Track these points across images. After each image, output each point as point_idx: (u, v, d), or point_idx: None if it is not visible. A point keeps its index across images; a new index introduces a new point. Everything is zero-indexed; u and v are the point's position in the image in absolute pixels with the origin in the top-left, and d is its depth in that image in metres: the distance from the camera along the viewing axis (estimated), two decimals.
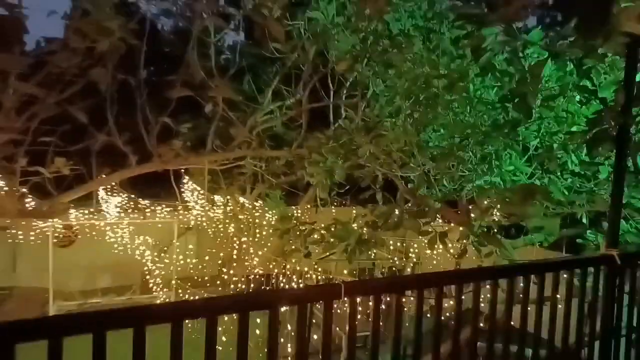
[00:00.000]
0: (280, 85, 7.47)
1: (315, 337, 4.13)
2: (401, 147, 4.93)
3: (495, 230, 5.48)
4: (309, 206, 10.85)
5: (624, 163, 3.08)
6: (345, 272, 4.60)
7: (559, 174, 5.60)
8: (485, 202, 5.51)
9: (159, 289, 9.88)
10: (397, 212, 4.82)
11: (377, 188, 5.05)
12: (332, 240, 4.04)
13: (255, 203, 10.67)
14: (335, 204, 10.46)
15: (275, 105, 7.49)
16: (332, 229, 4.18)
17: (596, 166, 4.99)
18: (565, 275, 2.93)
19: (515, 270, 2.71)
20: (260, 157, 8.17)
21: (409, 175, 5.28)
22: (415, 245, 10.51)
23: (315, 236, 4.45)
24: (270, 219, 9.68)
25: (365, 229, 4.26)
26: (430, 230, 4.74)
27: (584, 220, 5.57)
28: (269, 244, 9.50)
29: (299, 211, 10.82)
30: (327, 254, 4.10)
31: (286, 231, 4.63)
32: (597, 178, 5.43)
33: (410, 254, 7.99)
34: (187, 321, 1.83)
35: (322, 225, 4.60)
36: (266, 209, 9.79)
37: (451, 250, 4.69)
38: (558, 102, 4.75)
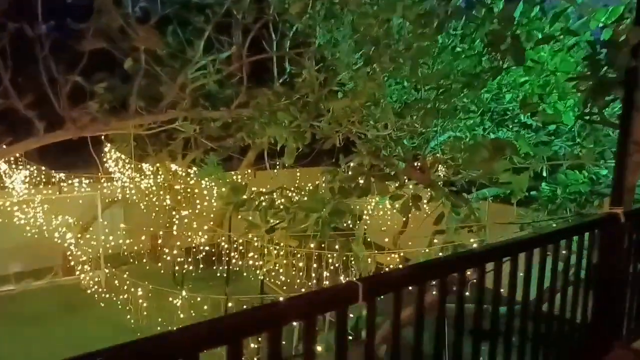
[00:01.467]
0: (212, 35, 6.53)
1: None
2: (363, 102, 4.39)
3: (457, 189, 5.22)
4: (248, 171, 10.15)
5: (631, 113, 2.78)
6: (311, 245, 4.08)
7: (518, 128, 5.42)
8: (447, 159, 5.21)
9: (84, 269, 8.85)
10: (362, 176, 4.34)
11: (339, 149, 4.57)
12: (294, 212, 3.48)
13: (189, 170, 9.77)
14: (278, 168, 9.85)
15: (208, 59, 6.57)
16: (296, 199, 3.61)
17: (558, 118, 4.79)
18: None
19: (533, 243, 2.35)
20: (193, 119, 7.26)
21: (368, 134, 4.79)
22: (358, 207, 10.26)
23: (277, 207, 3.86)
24: (208, 187, 8.88)
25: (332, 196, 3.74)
26: (401, 193, 4.33)
27: (544, 174, 5.41)
28: (211, 215, 8.77)
29: (239, 177, 10.09)
30: (294, 228, 3.54)
31: (240, 203, 3.99)
32: (557, 132, 5.30)
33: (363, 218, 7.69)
34: None
35: (281, 193, 4.01)
36: (202, 176, 8.96)
37: (425, 215, 4.35)
38: (527, 50, 4.42)
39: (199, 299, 5.56)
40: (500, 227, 5.35)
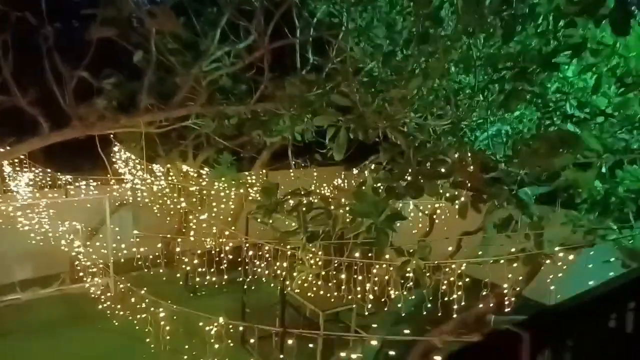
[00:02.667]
0: (228, 24, 6.02)
1: None
2: (433, 84, 3.82)
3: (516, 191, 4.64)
4: (263, 171, 9.64)
5: None
6: (356, 254, 3.53)
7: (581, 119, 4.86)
8: (491, 154, 4.66)
9: (92, 276, 8.35)
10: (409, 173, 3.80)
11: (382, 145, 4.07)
12: (347, 217, 2.95)
13: (200, 171, 9.26)
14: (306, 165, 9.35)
15: (224, 49, 6.04)
16: (344, 202, 3.09)
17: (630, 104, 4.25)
18: None
19: None
20: (208, 115, 6.75)
21: (411, 125, 4.25)
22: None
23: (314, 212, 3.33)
24: (222, 189, 8.36)
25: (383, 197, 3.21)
26: (456, 194, 3.81)
27: (604, 170, 4.80)
28: (228, 218, 8.26)
29: (253, 177, 9.58)
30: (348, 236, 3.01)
31: (273, 206, 3.47)
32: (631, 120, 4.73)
33: None
34: None
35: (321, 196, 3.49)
36: (215, 176, 8.45)
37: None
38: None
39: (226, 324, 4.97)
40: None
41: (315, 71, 5.54)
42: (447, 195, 3.66)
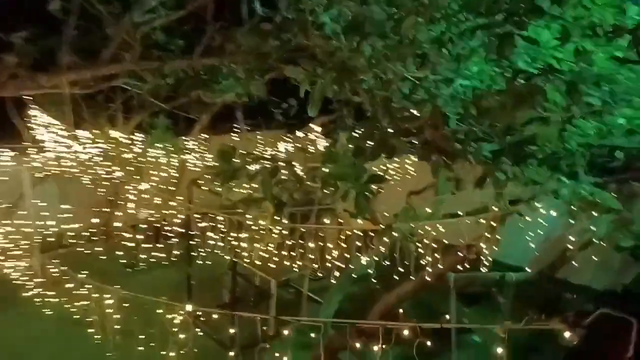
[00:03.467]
0: None
1: None
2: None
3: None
4: (205, 136, 9.01)
5: None
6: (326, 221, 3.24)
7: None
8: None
9: (15, 259, 7.51)
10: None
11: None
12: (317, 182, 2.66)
13: (132, 137, 8.49)
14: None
15: None
16: (314, 166, 2.78)
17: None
18: None
19: None
20: (142, 74, 6.06)
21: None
22: None
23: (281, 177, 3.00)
24: (161, 155, 7.72)
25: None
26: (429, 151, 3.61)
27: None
28: (168, 187, 7.67)
29: (191, 142, 8.97)
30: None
31: (232, 173, 3.09)
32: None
33: None
34: None
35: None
36: (152, 142, 7.77)
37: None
38: None
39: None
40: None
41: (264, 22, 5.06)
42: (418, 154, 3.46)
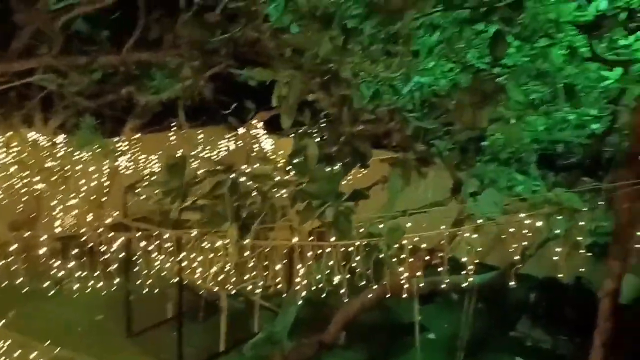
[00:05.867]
0: None
1: None
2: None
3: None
4: (137, 135, 8.20)
5: None
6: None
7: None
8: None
9: None
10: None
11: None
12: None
13: (55, 139, 7.55)
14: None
15: None
16: (283, 179, 2.38)
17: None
18: None
19: None
20: (63, 69, 5.27)
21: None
22: None
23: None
24: (88, 160, 6.89)
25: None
26: (402, 158, 3.31)
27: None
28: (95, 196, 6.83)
29: (124, 144, 8.16)
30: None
31: (183, 190, 2.62)
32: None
33: None
34: None
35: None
36: (78, 145, 6.90)
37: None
38: None
39: None
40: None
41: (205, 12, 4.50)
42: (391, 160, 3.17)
